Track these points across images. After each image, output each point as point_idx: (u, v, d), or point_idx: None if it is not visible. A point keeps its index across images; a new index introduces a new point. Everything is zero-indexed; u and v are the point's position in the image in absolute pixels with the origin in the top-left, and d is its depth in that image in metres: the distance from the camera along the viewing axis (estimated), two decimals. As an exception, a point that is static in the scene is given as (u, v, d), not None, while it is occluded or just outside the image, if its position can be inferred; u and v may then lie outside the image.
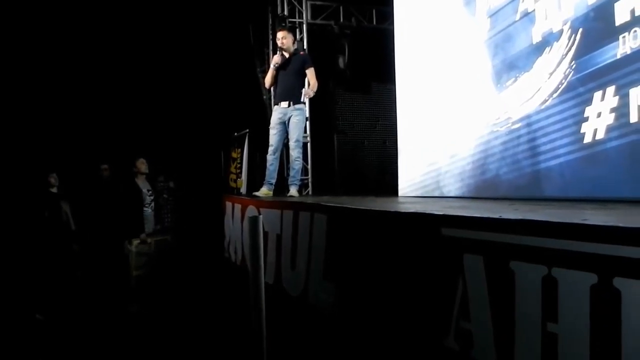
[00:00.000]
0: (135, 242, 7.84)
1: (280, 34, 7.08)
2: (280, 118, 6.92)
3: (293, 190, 7.01)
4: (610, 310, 1.88)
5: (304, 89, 6.98)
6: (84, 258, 7.96)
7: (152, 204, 8.44)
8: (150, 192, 8.47)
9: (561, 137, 4.58)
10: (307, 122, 8.46)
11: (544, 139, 4.80)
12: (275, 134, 6.95)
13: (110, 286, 7.49)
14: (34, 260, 6.83)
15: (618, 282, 1.87)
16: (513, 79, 5.18)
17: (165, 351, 5.43)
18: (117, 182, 8.70)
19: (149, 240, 8.01)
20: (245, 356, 3.12)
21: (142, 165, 8.50)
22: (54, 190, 8.23)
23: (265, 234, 5.43)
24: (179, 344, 5.56)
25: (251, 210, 6.15)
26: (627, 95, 3.90)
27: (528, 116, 4.97)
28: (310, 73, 6.93)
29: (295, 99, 6.90)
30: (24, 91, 9.66)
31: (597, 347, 1.94)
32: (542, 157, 4.83)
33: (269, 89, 8.66)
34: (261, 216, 3.28)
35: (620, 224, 1.98)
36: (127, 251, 7.77)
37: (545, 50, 4.77)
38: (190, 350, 5.42)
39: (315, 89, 6.97)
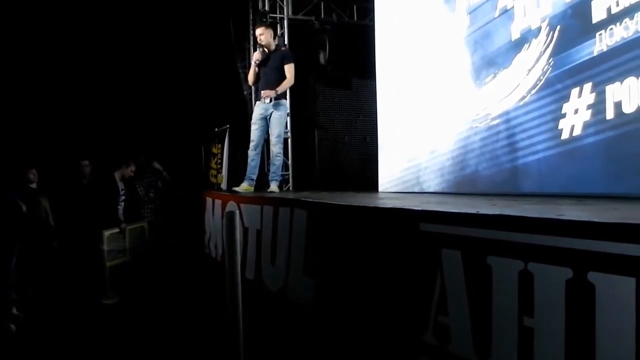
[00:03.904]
0: (109, 232, 7.82)
1: (258, 31, 7.08)
2: (261, 114, 6.91)
3: (273, 186, 7.00)
4: (585, 304, 1.91)
5: (263, 91, 6.91)
6: (63, 254, 7.89)
7: (123, 204, 8.41)
8: (123, 191, 8.43)
9: (539, 134, 4.62)
10: (288, 118, 8.44)
11: (522, 135, 4.84)
12: (256, 129, 6.94)
13: (87, 281, 7.45)
14: (13, 256, 6.76)
15: (592, 276, 1.90)
16: (492, 75, 5.21)
17: (142, 347, 5.41)
18: (97, 177, 8.64)
19: (123, 225, 8.06)
20: (222, 351, 3.11)
21: (127, 170, 8.50)
22: (33, 186, 8.14)
23: (246, 229, 5.43)
24: (156, 339, 5.54)
25: (231, 206, 6.14)
26: (603, 92, 3.95)
27: (507, 112, 5.01)
28: (288, 69, 6.90)
29: (276, 94, 6.88)
30: (2, 86, 9.54)
31: (572, 341, 1.97)
32: (520, 153, 4.86)
33: (252, 85, 8.63)
34: (238, 212, 3.28)
35: (595, 219, 2.00)
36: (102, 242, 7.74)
37: (524, 47, 4.80)
38: (168, 345, 5.40)
39: (287, 86, 6.95)
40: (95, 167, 8.83)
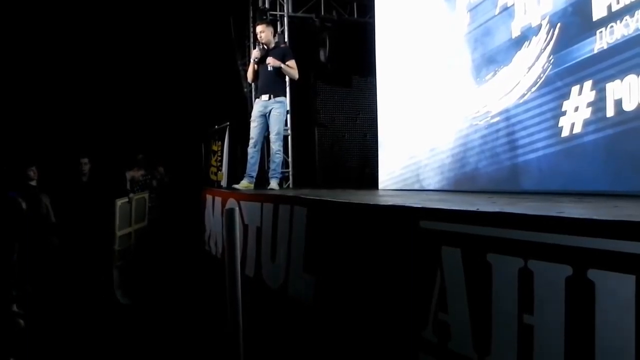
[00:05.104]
0: (121, 201, 8.09)
1: (258, 28, 7.08)
2: (260, 111, 6.91)
3: (273, 183, 7.00)
4: (585, 301, 1.91)
5: (269, 57, 6.87)
6: (63, 251, 7.92)
7: None
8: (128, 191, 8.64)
9: (539, 131, 4.62)
10: (288, 115, 8.44)
11: (522, 133, 4.84)
12: (255, 126, 6.95)
13: (90, 278, 7.47)
14: (14, 253, 6.77)
15: (592, 274, 1.89)
16: (492, 73, 5.21)
17: (143, 343, 5.41)
18: (98, 174, 8.74)
19: (131, 195, 8.41)
20: (222, 348, 3.11)
21: (138, 173, 8.75)
22: (34, 183, 8.16)
23: (246, 226, 5.43)
24: (156, 336, 5.55)
25: (231, 203, 6.13)
26: (603, 89, 3.95)
27: (507, 110, 5.01)
28: (292, 65, 6.90)
29: (275, 91, 6.88)
30: (2, 85, 9.54)
31: (572, 338, 1.97)
32: (520, 151, 4.87)
33: (251, 82, 8.62)
34: (238, 209, 3.28)
35: (595, 217, 2.00)
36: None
37: (524, 45, 4.80)
38: (168, 341, 5.41)
39: (292, 73, 6.94)
40: (95, 164, 8.85)
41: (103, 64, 10.40)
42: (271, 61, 6.80)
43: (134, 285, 7.65)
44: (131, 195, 8.35)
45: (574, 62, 4.25)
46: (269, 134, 7.06)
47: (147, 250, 8.29)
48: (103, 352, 5.35)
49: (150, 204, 9.02)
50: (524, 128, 4.81)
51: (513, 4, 4.93)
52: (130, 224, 8.36)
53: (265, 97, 6.88)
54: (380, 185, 7.25)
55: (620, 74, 3.80)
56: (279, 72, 6.90)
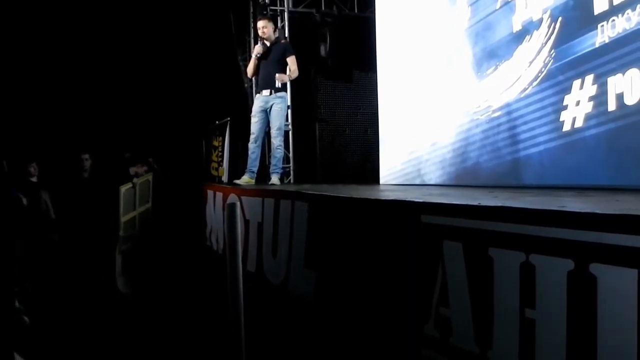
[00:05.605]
0: (125, 187, 8.26)
1: (260, 23, 7.07)
2: (261, 106, 6.91)
3: (275, 179, 7.01)
4: (587, 295, 1.90)
5: (277, 74, 6.88)
6: (63, 248, 7.92)
7: None
8: None
9: (541, 125, 4.61)
10: (289, 110, 8.43)
11: (523, 127, 4.83)
12: (256, 122, 6.95)
13: (91, 276, 7.48)
14: (14, 250, 6.77)
15: (594, 268, 1.89)
16: (493, 67, 5.20)
17: (144, 339, 5.42)
18: (100, 170, 8.78)
19: (135, 180, 8.55)
20: (223, 345, 3.12)
21: (141, 169, 8.88)
22: (34, 179, 8.16)
23: (247, 222, 5.43)
24: (157, 332, 5.55)
25: (232, 199, 6.13)
26: (605, 83, 3.94)
27: (508, 104, 5.00)
28: (291, 61, 6.90)
29: (276, 87, 6.88)
30: (3, 81, 9.53)
31: (574, 332, 1.96)
32: (521, 145, 4.86)
33: (251, 77, 8.60)
34: (239, 204, 3.28)
35: (597, 211, 2.00)
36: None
37: (525, 39, 4.79)
38: (169, 337, 5.41)
39: (294, 76, 6.96)
40: (97, 160, 8.86)
41: (104, 60, 10.39)
42: (280, 78, 6.82)
43: (135, 274, 7.69)
44: (135, 180, 8.43)
45: (575, 56, 4.24)
46: (269, 129, 7.06)
47: (150, 238, 8.32)
48: (103, 347, 5.35)
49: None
50: (525, 122, 4.80)
51: (514, -2, 4.92)
52: (134, 208, 8.49)
53: (266, 92, 6.88)
54: (382, 180, 7.25)
55: (622, 68, 3.79)
56: (279, 68, 6.90)
